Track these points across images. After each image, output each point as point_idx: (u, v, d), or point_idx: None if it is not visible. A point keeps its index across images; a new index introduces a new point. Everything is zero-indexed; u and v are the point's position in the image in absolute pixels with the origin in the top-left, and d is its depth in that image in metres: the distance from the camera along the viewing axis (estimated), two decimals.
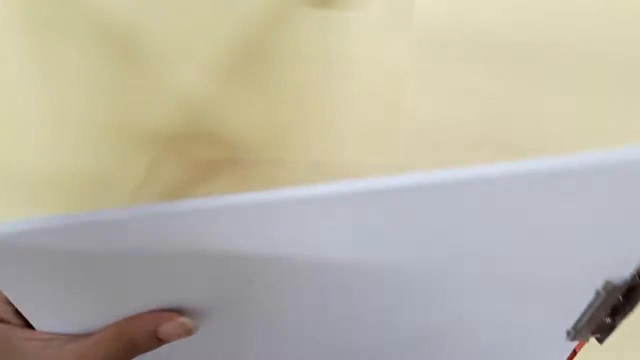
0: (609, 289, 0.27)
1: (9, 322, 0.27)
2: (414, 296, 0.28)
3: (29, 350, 0.26)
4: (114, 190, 0.49)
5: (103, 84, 0.47)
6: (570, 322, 0.30)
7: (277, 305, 0.28)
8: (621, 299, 0.28)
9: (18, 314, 0.27)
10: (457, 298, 0.28)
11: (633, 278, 0.27)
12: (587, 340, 0.31)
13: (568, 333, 0.31)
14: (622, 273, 0.27)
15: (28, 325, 0.27)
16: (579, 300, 0.29)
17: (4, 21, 0.45)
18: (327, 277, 0.26)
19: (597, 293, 0.28)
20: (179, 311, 0.28)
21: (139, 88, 0.47)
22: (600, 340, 0.31)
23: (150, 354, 0.27)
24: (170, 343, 0.27)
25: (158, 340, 0.27)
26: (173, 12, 0.45)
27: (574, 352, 0.33)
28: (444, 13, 0.44)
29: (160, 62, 0.46)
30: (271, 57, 0.46)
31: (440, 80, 0.45)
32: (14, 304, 0.26)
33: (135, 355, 0.27)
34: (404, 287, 0.27)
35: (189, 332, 0.28)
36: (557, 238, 0.25)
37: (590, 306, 0.29)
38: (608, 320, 0.29)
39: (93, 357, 0.26)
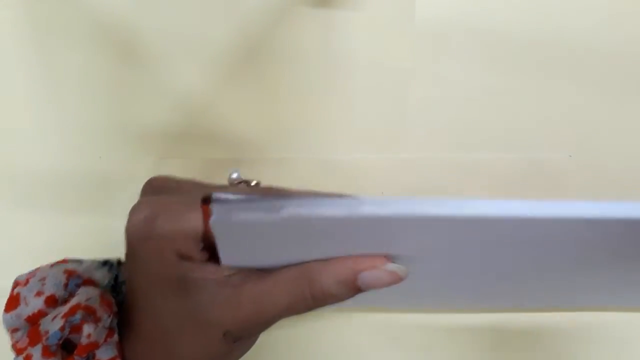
0: None
1: (192, 259, 0.24)
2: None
3: (207, 288, 0.23)
4: (115, 191, 0.49)
5: (103, 83, 0.47)
6: None
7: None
8: None
9: (202, 249, 0.24)
10: None
11: None
12: None
13: None
14: None
15: (211, 260, 0.24)
16: None
17: (4, 21, 0.45)
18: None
19: None
20: (385, 256, 0.24)
21: (140, 88, 0.47)
22: None
23: None
24: None
25: (355, 289, 0.23)
26: (173, 12, 0.45)
27: None
28: (446, 9, 0.44)
29: (160, 62, 0.46)
30: (272, 56, 0.46)
31: (444, 77, 0.45)
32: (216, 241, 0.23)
33: (323, 305, 0.24)
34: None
35: (398, 280, 0.24)
36: None
37: None
38: None
39: (274, 305, 0.24)
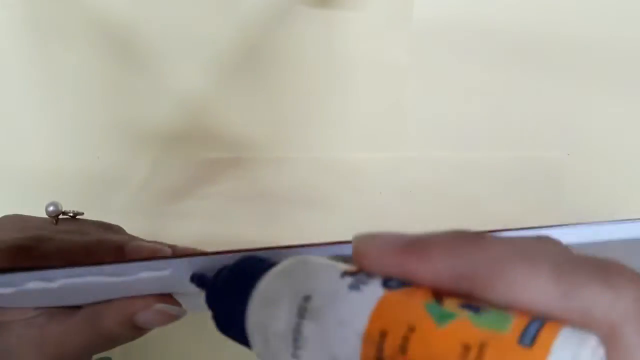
0: None
1: None
2: None
3: (15, 329, 0.25)
4: (115, 190, 0.49)
5: (102, 83, 0.47)
6: None
7: None
8: None
9: None
10: None
11: None
12: None
13: None
14: None
15: None
16: None
17: (4, 21, 0.45)
18: None
19: None
20: (166, 294, 0.24)
21: (138, 88, 0.47)
22: None
23: None
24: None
25: (137, 328, 0.24)
26: (173, 12, 0.45)
27: None
28: (444, 9, 0.44)
29: (159, 62, 0.46)
30: (272, 56, 0.46)
31: (442, 76, 0.45)
32: None
33: (120, 343, 0.25)
34: None
35: (173, 318, 0.24)
36: None
37: None
38: None
39: (72, 345, 0.24)
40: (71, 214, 0.30)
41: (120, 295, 0.24)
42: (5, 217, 0.29)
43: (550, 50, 0.44)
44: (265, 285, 0.16)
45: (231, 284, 0.17)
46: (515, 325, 0.12)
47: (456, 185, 0.47)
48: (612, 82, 0.44)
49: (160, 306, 0.24)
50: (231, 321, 0.17)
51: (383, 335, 0.13)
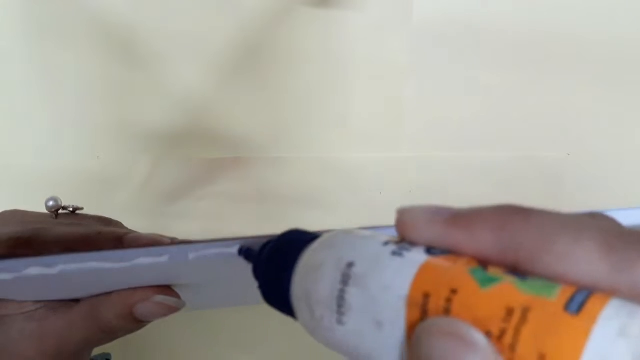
0: None
1: None
2: None
3: (15, 323, 0.25)
4: (115, 190, 0.49)
5: (104, 83, 0.47)
6: None
7: None
8: None
9: None
10: None
11: None
12: None
13: None
14: None
15: None
16: None
17: (4, 21, 0.45)
18: None
19: None
20: (165, 286, 0.25)
21: (139, 88, 0.47)
22: None
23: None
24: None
25: (136, 321, 0.24)
26: (173, 12, 0.45)
27: None
28: (444, 8, 0.44)
29: (159, 62, 0.46)
30: (271, 56, 0.46)
31: (441, 76, 0.45)
32: None
33: (119, 336, 0.25)
34: None
35: (172, 310, 0.25)
36: None
37: None
38: None
39: (72, 338, 0.25)
40: (71, 209, 0.31)
41: (119, 286, 0.24)
42: (6, 211, 0.29)
43: (550, 50, 0.44)
44: (310, 255, 0.16)
45: (276, 256, 0.18)
46: (561, 292, 0.12)
47: (456, 185, 0.47)
48: (612, 82, 0.45)
49: (159, 297, 0.24)
50: (276, 292, 0.17)
51: (426, 297, 0.13)
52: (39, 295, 0.25)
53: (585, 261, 0.12)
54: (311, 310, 0.15)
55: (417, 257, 0.14)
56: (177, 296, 0.25)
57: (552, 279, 0.12)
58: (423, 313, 0.13)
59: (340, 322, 0.14)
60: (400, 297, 0.13)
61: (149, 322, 0.25)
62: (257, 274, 0.19)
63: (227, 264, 0.22)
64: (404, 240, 0.15)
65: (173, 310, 0.25)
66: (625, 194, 0.46)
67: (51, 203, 0.30)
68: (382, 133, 0.47)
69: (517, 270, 0.13)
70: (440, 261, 0.14)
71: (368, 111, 0.46)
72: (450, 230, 0.14)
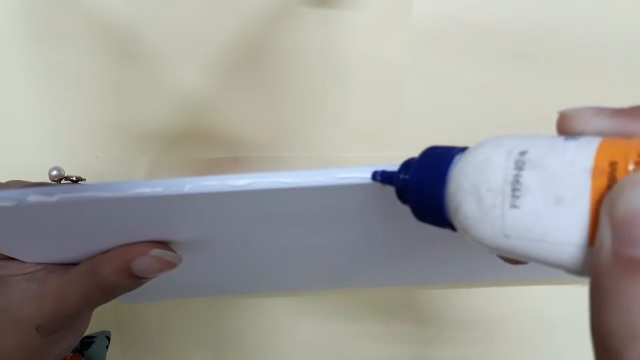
0: None
1: None
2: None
3: (16, 284, 0.25)
4: None
5: (101, 83, 0.47)
6: None
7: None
8: None
9: None
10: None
11: None
12: None
13: None
14: None
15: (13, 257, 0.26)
16: None
17: (4, 21, 0.45)
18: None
19: None
20: (162, 242, 0.25)
21: (137, 87, 0.47)
22: None
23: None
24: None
25: (134, 277, 0.25)
26: (173, 12, 0.45)
27: None
28: (443, 7, 0.44)
29: (158, 62, 0.46)
30: (269, 55, 0.46)
31: (441, 75, 0.45)
32: None
33: (117, 294, 0.25)
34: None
35: (169, 265, 0.25)
36: None
37: None
38: None
39: (72, 298, 0.25)
40: (74, 179, 0.31)
41: (119, 240, 0.24)
42: (11, 181, 0.29)
43: (549, 49, 0.44)
44: (471, 155, 0.17)
45: (428, 163, 0.18)
46: None
47: None
48: (612, 79, 0.44)
49: (157, 252, 0.24)
50: (430, 200, 0.17)
51: (613, 165, 0.13)
52: (41, 253, 0.25)
53: None
54: (480, 201, 0.15)
55: (593, 138, 0.14)
56: (174, 251, 0.25)
57: None
58: (611, 180, 0.13)
59: (514, 205, 0.15)
60: (584, 170, 0.13)
61: (146, 279, 0.25)
62: (403, 189, 0.19)
63: (223, 205, 0.22)
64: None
65: (170, 265, 0.25)
66: None
67: (54, 173, 0.30)
68: (381, 132, 0.47)
69: None
70: (617, 138, 0.14)
71: (367, 110, 0.46)
72: (622, 119, 0.15)
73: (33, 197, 0.21)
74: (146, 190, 0.21)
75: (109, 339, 0.33)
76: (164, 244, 0.25)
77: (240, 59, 0.46)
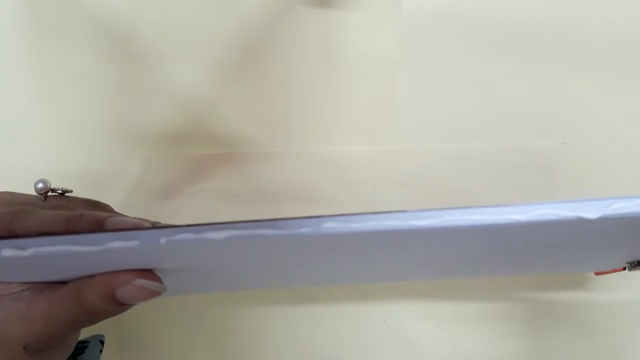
0: None
1: None
2: None
3: (3, 304, 0.25)
4: (107, 188, 0.49)
5: (94, 81, 0.47)
6: None
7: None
8: None
9: None
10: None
11: None
12: None
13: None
14: None
15: None
16: None
17: (3, 21, 0.45)
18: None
19: None
20: (149, 270, 0.25)
21: (130, 86, 0.47)
22: None
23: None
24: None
25: (118, 303, 0.25)
26: (169, 10, 0.45)
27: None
28: None
29: (152, 61, 0.46)
30: (263, 50, 0.46)
31: (434, 68, 0.45)
32: None
33: (103, 318, 0.25)
34: None
35: (153, 294, 0.25)
36: None
37: None
38: None
39: (59, 320, 0.25)
40: (60, 191, 0.31)
41: (102, 269, 0.24)
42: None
43: (542, 39, 0.44)
44: None
45: None
46: None
47: (450, 176, 0.47)
48: (606, 70, 0.44)
49: (140, 281, 0.24)
50: None
51: None
52: (25, 277, 0.25)
53: None
54: None
55: None
56: (159, 280, 0.25)
57: None
58: None
59: None
60: None
61: (131, 305, 0.25)
62: None
63: (205, 248, 0.22)
64: None
65: (154, 294, 0.25)
66: (620, 184, 0.46)
67: (40, 185, 0.30)
68: (374, 126, 0.47)
69: None
70: None
71: (360, 104, 0.46)
72: None
73: (5, 252, 0.21)
74: (120, 244, 0.21)
75: (102, 342, 0.33)
76: (149, 272, 0.25)
77: (234, 54, 0.46)
